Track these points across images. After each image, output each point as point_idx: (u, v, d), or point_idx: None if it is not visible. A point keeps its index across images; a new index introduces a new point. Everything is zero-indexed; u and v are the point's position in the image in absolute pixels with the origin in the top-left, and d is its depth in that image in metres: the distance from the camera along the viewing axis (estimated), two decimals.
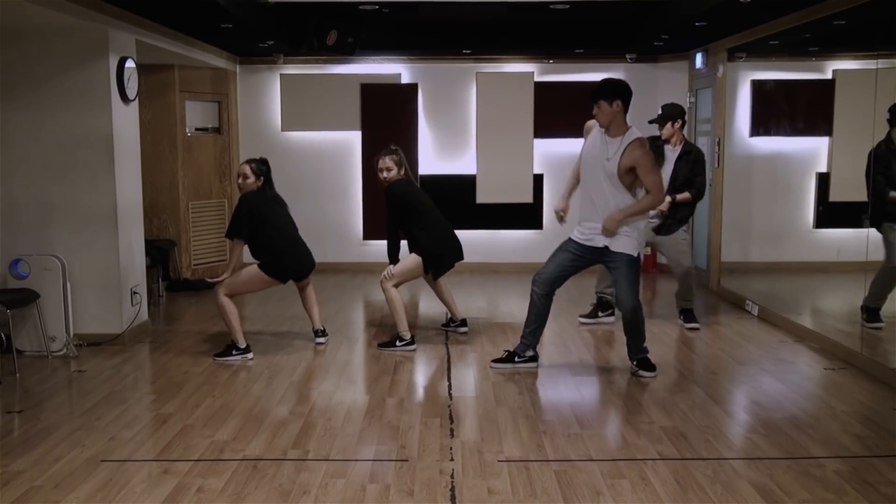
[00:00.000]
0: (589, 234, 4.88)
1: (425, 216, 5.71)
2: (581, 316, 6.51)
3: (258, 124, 9.03)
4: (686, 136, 6.34)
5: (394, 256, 5.72)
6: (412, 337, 5.70)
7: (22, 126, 5.70)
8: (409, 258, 5.69)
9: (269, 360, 5.48)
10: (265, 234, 5.45)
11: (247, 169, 5.54)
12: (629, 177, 4.74)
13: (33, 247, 5.68)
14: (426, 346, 5.79)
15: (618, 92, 4.75)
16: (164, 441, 3.95)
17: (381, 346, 5.74)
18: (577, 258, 4.99)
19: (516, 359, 5.20)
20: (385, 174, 5.72)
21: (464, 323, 6.19)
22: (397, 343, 5.66)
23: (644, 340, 5.07)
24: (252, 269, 5.50)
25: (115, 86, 5.73)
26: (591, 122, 4.97)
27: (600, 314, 6.46)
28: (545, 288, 5.08)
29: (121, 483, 3.45)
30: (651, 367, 5.01)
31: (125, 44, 5.89)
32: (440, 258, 5.72)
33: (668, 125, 6.12)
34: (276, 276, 5.50)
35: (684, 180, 6.09)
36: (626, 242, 4.80)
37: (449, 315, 6.29)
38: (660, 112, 6.21)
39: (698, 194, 6.15)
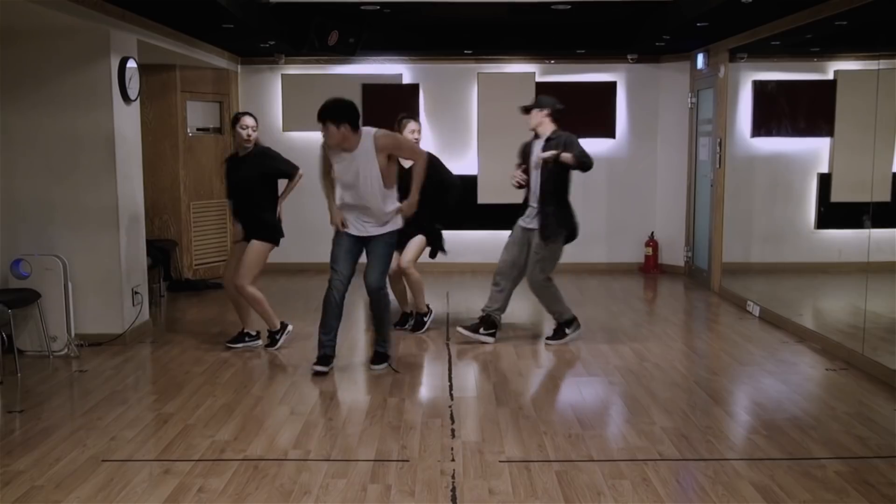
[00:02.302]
0: (360, 229, 5.04)
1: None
2: (461, 328, 5.92)
3: (259, 124, 8.93)
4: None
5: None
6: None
7: (23, 126, 5.71)
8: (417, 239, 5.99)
9: (271, 359, 5.48)
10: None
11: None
12: (391, 168, 4.97)
13: (34, 247, 5.68)
14: (427, 347, 5.79)
15: (350, 114, 4.80)
16: (165, 441, 3.95)
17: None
18: (353, 246, 5.08)
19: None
20: (418, 136, 5.88)
21: (408, 321, 6.24)
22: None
23: (387, 328, 5.24)
24: (251, 250, 5.47)
25: (117, 86, 5.73)
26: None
27: (481, 331, 5.83)
28: (344, 284, 5.08)
29: (122, 483, 3.45)
30: (384, 360, 5.21)
31: (127, 44, 5.90)
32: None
33: (535, 111, 5.71)
34: (275, 239, 5.57)
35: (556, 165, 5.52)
36: (393, 223, 5.08)
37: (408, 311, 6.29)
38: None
39: (582, 161, 5.44)
